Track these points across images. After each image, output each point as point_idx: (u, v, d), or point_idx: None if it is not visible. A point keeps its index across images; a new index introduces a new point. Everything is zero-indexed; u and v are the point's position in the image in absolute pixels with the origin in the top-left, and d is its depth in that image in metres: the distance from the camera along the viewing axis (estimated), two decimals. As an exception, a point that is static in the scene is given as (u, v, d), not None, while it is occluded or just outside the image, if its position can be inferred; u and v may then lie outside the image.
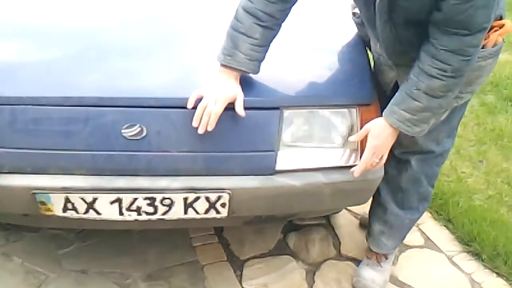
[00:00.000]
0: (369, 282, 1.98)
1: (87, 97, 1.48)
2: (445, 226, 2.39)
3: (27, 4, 1.90)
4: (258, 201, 1.58)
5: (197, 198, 1.52)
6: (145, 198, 1.51)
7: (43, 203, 1.51)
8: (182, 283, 1.99)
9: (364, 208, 2.23)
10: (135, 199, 1.51)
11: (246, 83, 1.53)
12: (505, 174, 2.78)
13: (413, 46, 1.43)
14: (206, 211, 1.56)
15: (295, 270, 2.09)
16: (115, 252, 2.10)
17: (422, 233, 2.35)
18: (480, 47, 1.36)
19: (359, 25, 1.77)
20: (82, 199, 1.50)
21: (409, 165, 1.77)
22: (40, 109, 1.47)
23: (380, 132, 1.48)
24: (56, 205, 1.51)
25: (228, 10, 1.51)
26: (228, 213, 1.57)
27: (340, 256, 2.20)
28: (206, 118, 1.43)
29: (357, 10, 1.72)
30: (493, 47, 1.48)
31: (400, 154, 1.75)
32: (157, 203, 1.52)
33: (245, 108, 1.47)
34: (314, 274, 2.09)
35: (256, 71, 1.52)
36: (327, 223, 2.37)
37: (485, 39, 1.44)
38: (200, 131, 1.44)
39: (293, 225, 2.32)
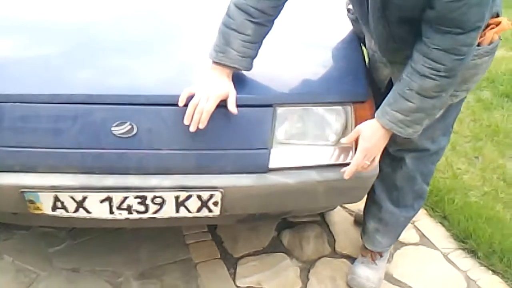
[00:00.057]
0: (364, 280, 1.96)
1: (76, 95, 1.45)
2: (440, 223, 2.38)
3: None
4: (251, 200, 1.55)
5: (189, 197, 1.50)
6: (136, 197, 1.49)
7: (32, 201, 1.49)
8: (175, 282, 1.97)
9: (359, 205, 2.21)
10: (126, 197, 1.49)
11: (239, 80, 1.50)
12: (501, 171, 2.77)
13: (406, 44, 1.40)
14: (198, 210, 1.54)
15: (289, 267, 2.08)
16: (107, 250, 2.08)
17: (418, 230, 2.33)
18: (474, 46, 1.33)
19: (354, 21, 1.75)
20: (72, 197, 1.48)
21: (403, 163, 1.75)
22: (29, 107, 1.44)
23: (372, 134, 1.46)
24: (45, 204, 1.49)
25: (222, 7, 1.48)
26: (221, 212, 1.55)
27: (334, 254, 2.18)
28: (198, 116, 1.40)
29: (351, 6, 1.70)
30: (489, 45, 1.46)
31: (395, 151, 1.73)
32: (148, 201, 1.50)
33: (238, 106, 1.45)
34: (308, 272, 2.07)
35: (249, 68, 1.50)
36: (321, 220, 2.35)
37: (481, 37, 1.41)
38: (192, 129, 1.42)
39: (287, 222, 2.30)
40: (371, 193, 1.87)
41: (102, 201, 1.49)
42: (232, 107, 1.43)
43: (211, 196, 1.50)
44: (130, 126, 1.44)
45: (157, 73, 1.54)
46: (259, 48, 1.49)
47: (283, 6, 1.46)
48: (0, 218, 1.80)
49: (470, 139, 3.07)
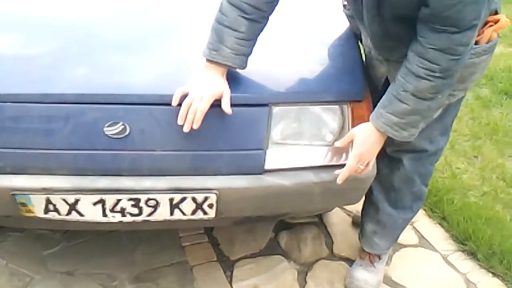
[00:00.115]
0: (362, 283, 1.93)
1: (67, 94, 1.42)
2: (439, 224, 2.35)
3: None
4: (246, 202, 1.53)
5: (183, 199, 1.48)
6: (129, 199, 1.46)
7: (23, 204, 1.46)
8: (171, 285, 1.94)
9: (357, 206, 2.17)
10: (119, 200, 1.46)
11: (234, 79, 1.47)
12: (500, 170, 2.74)
13: (402, 42, 1.37)
14: (193, 212, 1.51)
15: (286, 270, 2.05)
16: (101, 252, 2.05)
17: (416, 231, 2.31)
18: (471, 45, 1.30)
19: (350, 17, 1.72)
20: (64, 200, 1.45)
21: (401, 164, 1.72)
22: (19, 107, 1.41)
23: (367, 138, 1.43)
24: (37, 206, 1.46)
25: (217, 4, 1.45)
26: (216, 214, 1.52)
27: (332, 256, 2.16)
28: (192, 116, 1.38)
29: (347, 2, 1.67)
30: (487, 43, 1.43)
31: (392, 152, 1.70)
32: (141, 204, 1.48)
33: (233, 105, 1.43)
34: (306, 275, 2.05)
35: (243, 66, 1.47)
36: (319, 221, 2.32)
37: (479, 35, 1.39)
38: (186, 129, 1.39)
39: (284, 223, 2.28)
40: (369, 195, 1.84)
41: (95, 204, 1.46)
42: (226, 106, 1.41)
43: (206, 198, 1.48)
44: (122, 127, 1.42)
45: (151, 72, 1.51)
46: (253, 46, 1.46)
47: (278, 2, 1.44)
48: (-7, 220, 1.77)
49: (469, 138, 3.04)
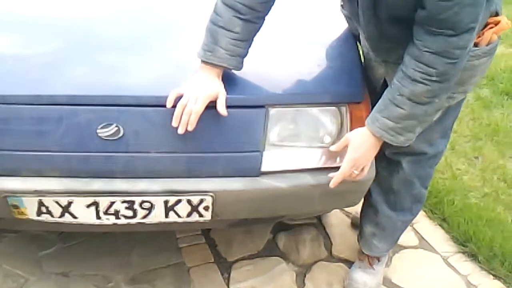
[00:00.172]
0: (361, 285, 1.91)
1: (60, 95, 1.40)
2: (440, 225, 2.33)
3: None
4: (242, 204, 1.51)
5: (179, 201, 1.46)
6: (123, 202, 1.44)
7: (15, 206, 1.44)
8: (167, 287, 1.92)
9: (356, 207, 2.13)
10: (113, 202, 1.44)
11: (230, 80, 1.45)
12: (501, 171, 2.71)
13: (400, 43, 1.34)
14: (189, 215, 1.49)
15: (285, 272, 2.03)
16: (97, 253, 2.03)
17: (417, 232, 2.28)
18: (468, 49, 1.27)
19: (348, 18, 1.69)
20: (57, 202, 1.43)
21: (400, 167, 1.69)
22: (10, 108, 1.39)
23: (362, 143, 1.41)
24: (29, 208, 1.45)
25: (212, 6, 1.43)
26: (212, 217, 1.50)
27: (331, 258, 2.13)
28: (186, 117, 1.36)
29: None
30: (487, 45, 1.40)
31: (391, 154, 1.67)
32: (136, 206, 1.46)
33: (229, 107, 1.40)
34: (304, 277, 2.02)
35: (239, 67, 1.45)
36: (318, 223, 2.30)
37: (479, 37, 1.36)
38: (180, 131, 1.37)
39: (283, 224, 2.25)
40: (368, 196, 1.81)
41: (88, 206, 1.45)
42: (221, 108, 1.38)
43: (201, 201, 1.46)
44: (116, 128, 1.40)
45: (145, 73, 1.49)
46: (249, 46, 1.44)
47: (274, 2, 1.41)
48: (-13, 223, 1.75)
49: (470, 139, 3.01)
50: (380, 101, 1.39)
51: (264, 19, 1.43)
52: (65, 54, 1.53)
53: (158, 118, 1.41)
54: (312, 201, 1.55)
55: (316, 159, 1.52)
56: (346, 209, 2.35)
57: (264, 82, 1.48)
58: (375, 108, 1.40)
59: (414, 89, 1.30)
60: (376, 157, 1.52)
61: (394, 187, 1.74)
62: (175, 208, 1.47)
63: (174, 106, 1.37)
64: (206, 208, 1.47)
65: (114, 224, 1.50)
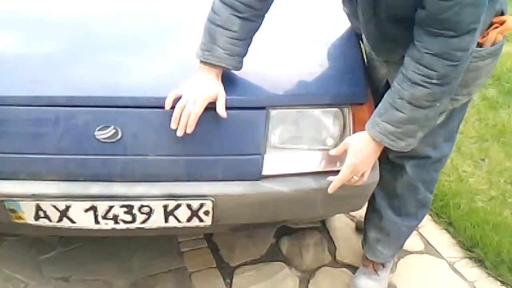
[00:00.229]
0: (366, 292, 1.88)
1: (57, 97, 1.38)
2: (446, 229, 2.29)
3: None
4: (243, 209, 1.48)
5: (178, 206, 1.43)
6: (122, 206, 1.42)
7: (13, 211, 1.42)
8: (168, 292, 1.90)
9: (360, 211, 2.09)
10: (111, 207, 1.42)
11: (229, 81, 1.43)
12: (508, 174, 2.67)
13: (401, 43, 1.31)
14: (189, 219, 1.47)
15: (287, 277, 2.00)
16: (98, 258, 2.01)
17: (422, 237, 2.25)
18: (470, 50, 1.23)
19: (350, 16, 1.66)
20: (54, 206, 1.41)
21: (404, 171, 1.66)
22: (7, 110, 1.37)
23: (361, 148, 1.37)
24: (26, 213, 1.43)
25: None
26: (212, 221, 1.48)
27: (335, 263, 2.10)
28: (185, 119, 1.33)
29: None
30: (492, 45, 1.36)
31: (395, 158, 1.64)
32: (135, 211, 1.43)
33: (229, 108, 1.38)
34: (308, 282, 2.00)
35: (238, 67, 1.42)
36: (322, 226, 2.27)
37: (483, 37, 1.33)
38: (179, 133, 1.35)
39: (286, 228, 2.22)
40: (372, 201, 1.78)
41: (86, 210, 1.42)
42: (221, 109, 1.36)
43: (201, 205, 1.43)
44: (114, 130, 1.38)
45: (144, 74, 1.46)
46: (248, 46, 1.41)
47: (273, 0, 1.38)
48: (-15, 228, 1.73)
49: (476, 140, 2.97)
50: (380, 104, 1.36)
51: (263, 18, 1.40)
52: (62, 54, 1.50)
53: (157, 120, 1.39)
54: (315, 205, 1.53)
55: (319, 162, 1.49)
56: (350, 212, 2.32)
57: (265, 83, 1.46)
58: (375, 111, 1.37)
59: (414, 92, 1.27)
60: (380, 160, 1.49)
61: (398, 191, 1.71)
62: (174, 213, 1.44)
63: (172, 108, 1.34)
64: (206, 213, 1.45)
65: (113, 229, 1.47)
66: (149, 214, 1.44)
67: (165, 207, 1.43)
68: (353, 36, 1.67)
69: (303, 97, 1.47)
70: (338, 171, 1.44)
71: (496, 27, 1.34)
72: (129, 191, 1.40)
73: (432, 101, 1.28)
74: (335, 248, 2.16)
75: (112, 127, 1.37)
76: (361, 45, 1.66)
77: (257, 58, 1.46)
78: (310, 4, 1.86)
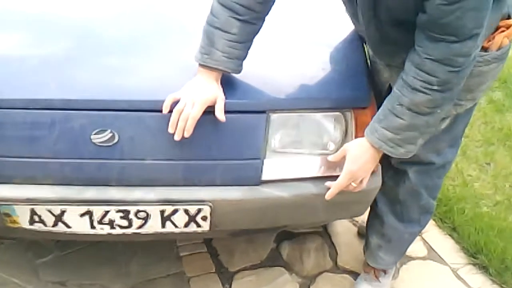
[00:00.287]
0: (367, 298, 1.85)
1: (53, 100, 1.35)
2: (449, 235, 2.26)
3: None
4: (242, 214, 1.46)
5: (175, 211, 1.41)
6: (118, 211, 1.40)
7: (7, 215, 1.40)
8: (166, 297, 1.88)
9: (363, 216, 2.06)
10: (107, 211, 1.40)
11: (229, 84, 1.40)
12: (514, 178, 2.63)
13: (402, 46, 1.28)
14: (186, 225, 1.45)
15: (288, 283, 1.97)
16: (96, 262, 1.99)
17: (425, 242, 2.22)
18: (472, 56, 1.20)
19: (352, 18, 1.62)
20: (49, 211, 1.39)
21: (406, 176, 1.62)
22: (2, 113, 1.35)
23: (360, 155, 1.34)
24: (21, 217, 1.41)
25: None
26: (210, 227, 1.46)
27: (336, 269, 2.07)
28: (183, 123, 1.31)
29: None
30: (497, 50, 1.32)
31: (397, 163, 1.61)
32: (131, 216, 1.41)
33: (228, 112, 1.36)
34: (308, 288, 1.97)
35: (237, 71, 1.40)
36: (323, 231, 2.24)
37: (489, 41, 1.29)
38: (177, 137, 1.32)
39: (287, 233, 2.19)
40: (374, 206, 1.75)
41: (82, 215, 1.40)
42: (219, 113, 1.33)
43: (199, 211, 1.41)
44: (111, 134, 1.35)
45: (141, 77, 1.43)
46: (248, 49, 1.38)
47: (273, 2, 1.36)
48: (-19, 231, 1.71)
49: (481, 144, 2.93)
50: (379, 110, 1.33)
51: (263, 20, 1.37)
52: (58, 57, 1.48)
53: (154, 124, 1.37)
54: (315, 211, 1.50)
55: (320, 167, 1.46)
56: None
57: (265, 86, 1.43)
58: (374, 117, 1.34)
59: (414, 99, 1.24)
60: (382, 166, 1.46)
61: (400, 197, 1.68)
62: (172, 218, 1.42)
63: (170, 111, 1.32)
64: (204, 218, 1.43)
65: (109, 234, 1.45)
66: (145, 219, 1.42)
67: (162, 212, 1.40)
68: (357, 38, 1.64)
69: (304, 101, 1.45)
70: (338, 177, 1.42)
71: (503, 31, 1.31)
72: (125, 195, 1.38)
73: (432, 108, 1.25)
74: (337, 254, 2.13)
75: (109, 131, 1.35)
76: (365, 48, 1.63)
77: (258, 61, 1.44)
78: (312, 6, 1.82)
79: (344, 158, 1.37)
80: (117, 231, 1.44)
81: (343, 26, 1.66)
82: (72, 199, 1.37)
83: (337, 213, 1.63)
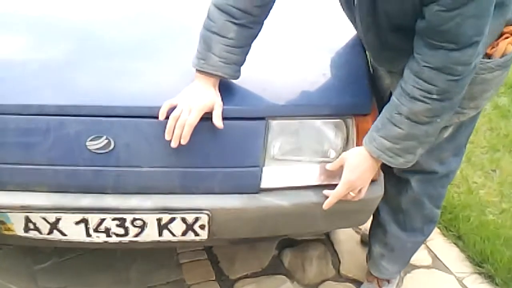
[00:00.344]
0: (370, 308, 1.81)
1: (48, 105, 1.33)
2: (455, 243, 2.23)
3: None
4: (241, 223, 1.43)
5: (173, 219, 1.38)
6: (114, 219, 1.38)
7: (2, 222, 1.39)
8: (165, 305, 1.86)
9: (366, 223, 2.05)
10: (103, 219, 1.38)
11: (227, 90, 1.38)
12: (520, 186, 2.59)
13: (402, 53, 1.25)
14: (184, 233, 1.42)
15: (289, 291, 1.94)
16: (95, 268, 1.97)
17: (430, 251, 2.19)
18: (473, 65, 1.17)
19: (352, 23, 1.59)
20: (44, 219, 1.37)
21: (409, 185, 1.59)
22: (-5, 119, 1.33)
23: (358, 164, 1.31)
24: (16, 224, 1.38)
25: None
26: (209, 236, 1.43)
27: (339, 277, 2.04)
28: (179, 130, 1.28)
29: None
30: (501, 57, 1.29)
31: (399, 172, 1.57)
32: (127, 224, 1.39)
33: (226, 118, 1.33)
34: (310, 297, 1.94)
35: (235, 76, 1.37)
36: (326, 239, 2.21)
37: (493, 47, 1.26)
38: (173, 144, 1.30)
39: (289, 240, 2.16)
40: (376, 215, 1.72)
41: (77, 223, 1.38)
42: (217, 120, 1.30)
43: (196, 219, 1.38)
44: (106, 141, 1.33)
45: (138, 82, 1.41)
46: (246, 54, 1.36)
47: (272, 6, 1.33)
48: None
49: (487, 150, 2.89)
50: (378, 118, 1.30)
51: (261, 24, 1.35)
52: (53, 62, 1.45)
53: (151, 131, 1.34)
54: (316, 220, 1.47)
55: (320, 175, 1.43)
56: (355, 225, 2.26)
57: (264, 92, 1.40)
58: (372, 125, 1.31)
59: (412, 107, 1.21)
60: (384, 174, 1.42)
61: (403, 206, 1.65)
62: (169, 227, 1.39)
63: (167, 118, 1.30)
64: (202, 227, 1.40)
65: (106, 242, 1.43)
66: (142, 227, 1.39)
67: (159, 220, 1.38)
68: (359, 43, 1.60)
69: (304, 108, 1.42)
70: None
71: (507, 37, 1.27)
72: (121, 203, 1.36)
73: (432, 117, 1.22)
74: (339, 262, 2.10)
75: (105, 137, 1.33)
76: (367, 53, 1.59)
77: (257, 66, 1.42)
78: (313, 10, 1.79)
79: (342, 167, 1.34)
80: (114, 239, 1.42)
81: (345, 30, 1.63)
82: (67, 206, 1.35)
83: (338, 222, 1.60)
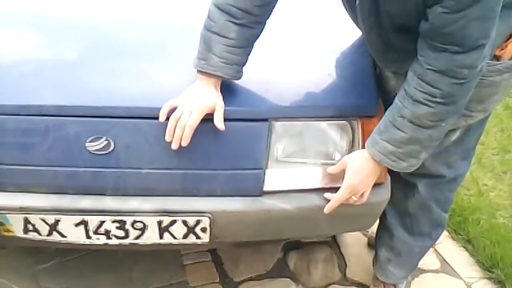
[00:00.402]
0: (376, 313, 1.78)
1: (47, 106, 1.32)
2: (464, 247, 2.19)
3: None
4: (243, 226, 1.41)
5: (173, 222, 1.36)
6: (114, 221, 1.36)
7: (1, 223, 1.37)
8: (168, 307, 1.84)
9: (373, 226, 2.02)
10: (103, 221, 1.36)
11: (230, 91, 1.36)
12: (532, 188, 2.54)
13: (406, 54, 1.21)
14: (185, 236, 1.40)
15: (293, 295, 1.92)
16: (97, 269, 1.96)
17: (438, 254, 2.15)
18: (479, 68, 1.13)
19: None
20: (43, 220, 1.35)
21: (416, 190, 1.56)
22: (-6, 119, 1.32)
23: (360, 167, 1.29)
24: (15, 226, 1.37)
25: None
26: (210, 239, 1.41)
27: (345, 280, 2.01)
28: (180, 132, 1.26)
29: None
30: (510, 59, 1.25)
31: (406, 176, 1.54)
32: (127, 226, 1.37)
33: (229, 120, 1.31)
34: (314, 301, 1.92)
35: (236, 77, 1.34)
36: (332, 241, 2.18)
37: (502, 49, 1.22)
38: (174, 146, 1.28)
39: (294, 242, 2.13)
40: (383, 219, 1.69)
41: (76, 225, 1.36)
42: (218, 121, 1.28)
43: (198, 222, 1.36)
44: (106, 142, 1.32)
45: (138, 83, 1.39)
46: (248, 54, 1.33)
47: (274, 5, 1.30)
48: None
49: (498, 152, 2.85)
50: (380, 121, 1.27)
51: (263, 24, 1.32)
52: (52, 62, 1.44)
53: (151, 132, 1.32)
54: (320, 224, 1.44)
55: (325, 178, 1.40)
56: (361, 229, 2.23)
57: (267, 93, 1.38)
58: (375, 128, 1.28)
59: (415, 111, 1.17)
60: (391, 177, 1.39)
61: (410, 210, 1.61)
62: (170, 229, 1.38)
63: (168, 119, 1.28)
64: (203, 230, 1.38)
65: (106, 244, 1.42)
66: (142, 230, 1.37)
67: (160, 223, 1.36)
68: (364, 44, 1.56)
69: (309, 109, 1.39)
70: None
71: None
72: (121, 205, 1.35)
73: (436, 121, 1.19)
74: (346, 265, 2.07)
75: (104, 138, 1.31)
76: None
77: (260, 66, 1.40)
78: (318, 9, 1.77)
79: (344, 170, 1.31)
80: (114, 241, 1.40)
81: (350, 30, 1.60)
82: (66, 208, 1.33)
83: (343, 226, 1.58)
